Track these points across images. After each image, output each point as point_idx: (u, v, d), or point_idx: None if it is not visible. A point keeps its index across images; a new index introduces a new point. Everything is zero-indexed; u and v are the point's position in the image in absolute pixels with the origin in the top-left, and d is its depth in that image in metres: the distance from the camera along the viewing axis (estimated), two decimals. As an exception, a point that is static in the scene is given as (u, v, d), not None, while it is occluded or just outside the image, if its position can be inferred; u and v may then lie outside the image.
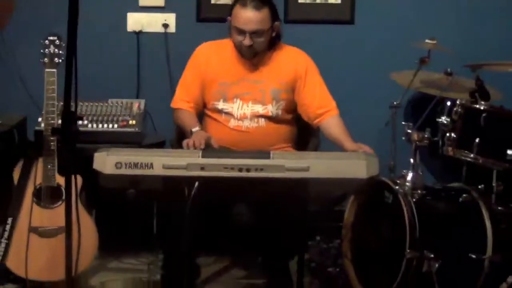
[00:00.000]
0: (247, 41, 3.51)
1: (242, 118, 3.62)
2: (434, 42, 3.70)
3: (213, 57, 3.68)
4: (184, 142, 3.33)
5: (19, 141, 3.89)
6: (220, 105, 3.63)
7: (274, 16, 3.58)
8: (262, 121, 3.63)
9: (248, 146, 3.53)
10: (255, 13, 3.49)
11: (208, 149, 3.21)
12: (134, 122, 3.92)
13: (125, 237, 3.97)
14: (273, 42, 3.65)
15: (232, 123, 3.62)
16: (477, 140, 3.38)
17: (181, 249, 3.03)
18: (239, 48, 3.58)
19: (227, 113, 3.63)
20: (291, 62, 3.67)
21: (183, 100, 3.68)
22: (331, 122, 3.59)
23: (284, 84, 3.64)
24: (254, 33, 3.51)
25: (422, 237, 3.23)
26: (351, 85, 4.35)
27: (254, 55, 3.59)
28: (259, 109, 3.62)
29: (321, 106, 3.63)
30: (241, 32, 3.52)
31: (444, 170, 3.99)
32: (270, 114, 3.62)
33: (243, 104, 3.62)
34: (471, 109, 3.42)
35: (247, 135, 3.61)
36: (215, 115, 3.66)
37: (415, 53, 3.75)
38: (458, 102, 3.43)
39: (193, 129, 3.46)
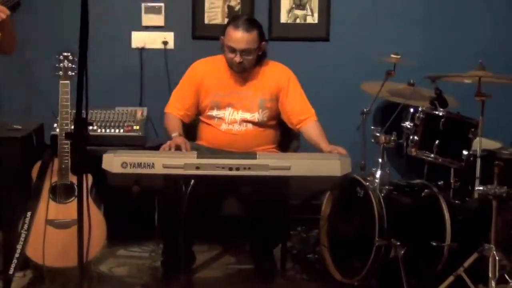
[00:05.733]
0: (237, 58, 3.50)
1: (232, 123, 3.60)
2: (398, 56, 3.71)
3: (209, 73, 3.66)
4: (162, 147, 3.35)
5: (37, 144, 3.87)
6: (214, 112, 3.62)
7: (261, 37, 3.57)
8: (249, 126, 3.62)
9: (238, 146, 3.52)
10: (245, 34, 3.49)
11: (203, 151, 3.19)
12: (137, 127, 3.91)
13: (130, 228, 3.94)
14: (260, 59, 3.64)
15: (224, 127, 3.61)
16: (436, 142, 3.39)
17: (178, 238, 3.02)
18: (230, 64, 3.57)
19: (219, 118, 3.61)
20: (275, 75, 3.66)
21: (175, 107, 3.66)
22: (310, 127, 3.58)
23: (269, 94, 3.63)
24: (243, 51, 3.50)
25: (389, 227, 3.23)
26: (327, 94, 4.34)
27: (243, 70, 3.58)
28: (248, 116, 3.61)
29: (302, 113, 3.62)
30: (233, 50, 3.51)
31: (408, 168, 3.98)
32: (256, 120, 3.61)
33: (233, 112, 3.61)
34: (431, 115, 3.43)
35: (236, 137, 3.59)
36: (209, 121, 3.65)
37: (382, 66, 3.76)
38: (420, 109, 3.44)
39: (173, 135, 3.45)
